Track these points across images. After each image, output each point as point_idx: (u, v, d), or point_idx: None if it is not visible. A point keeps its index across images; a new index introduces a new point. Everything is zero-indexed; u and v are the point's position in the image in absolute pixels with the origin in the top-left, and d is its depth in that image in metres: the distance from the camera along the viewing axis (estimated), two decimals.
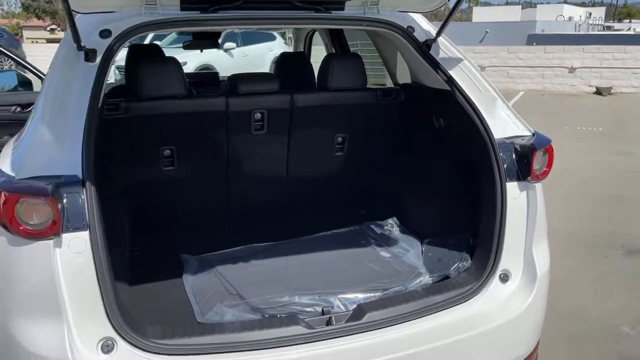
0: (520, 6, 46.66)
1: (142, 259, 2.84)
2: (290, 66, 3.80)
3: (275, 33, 15.95)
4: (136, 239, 2.97)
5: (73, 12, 2.18)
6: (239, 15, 2.51)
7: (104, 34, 2.34)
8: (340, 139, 3.32)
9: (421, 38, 2.76)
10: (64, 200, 1.85)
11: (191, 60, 12.08)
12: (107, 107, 2.77)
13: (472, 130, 2.51)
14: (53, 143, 1.99)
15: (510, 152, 2.42)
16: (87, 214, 1.88)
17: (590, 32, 33.84)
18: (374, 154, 3.44)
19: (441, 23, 2.73)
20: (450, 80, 2.63)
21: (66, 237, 1.85)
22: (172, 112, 2.88)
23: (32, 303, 1.86)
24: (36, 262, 1.83)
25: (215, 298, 2.40)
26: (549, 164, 2.41)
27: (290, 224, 3.18)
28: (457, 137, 2.75)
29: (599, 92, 15.30)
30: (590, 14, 49.55)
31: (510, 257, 2.40)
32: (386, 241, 2.99)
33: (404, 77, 3.41)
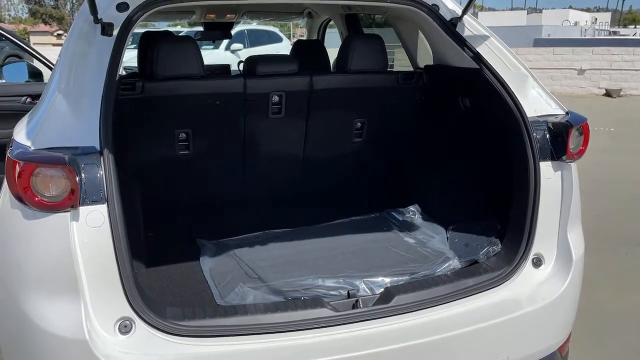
0: (525, 11, 46.57)
1: (157, 243, 2.75)
2: (307, 52, 3.71)
3: (282, 34, 15.94)
4: (150, 224, 2.88)
5: None
6: None
7: (121, 7, 2.26)
8: (359, 124, 3.22)
9: (446, 16, 2.67)
10: (82, 172, 1.76)
11: None
12: (123, 86, 2.68)
13: (502, 110, 2.41)
14: (70, 114, 1.91)
15: (544, 130, 2.31)
16: (105, 187, 1.79)
17: (597, 37, 33.72)
18: (394, 139, 3.34)
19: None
20: (478, 58, 2.54)
21: (84, 210, 1.76)
22: (188, 92, 2.79)
23: (47, 279, 1.76)
24: (52, 236, 1.74)
25: (234, 281, 2.31)
26: (585, 143, 2.31)
27: (308, 211, 3.08)
28: (485, 117, 2.65)
29: (608, 94, 15.17)
30: (596, 19, 49.48)
31: (544, 240, 2.29)
32: (409, 227, 2.88)
33: (423, 62, 3.33)
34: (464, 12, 2.66)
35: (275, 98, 2.97)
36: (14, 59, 5.17)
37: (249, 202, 3.19)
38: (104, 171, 1.80)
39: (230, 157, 3.10)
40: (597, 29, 42.04)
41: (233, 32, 13.23)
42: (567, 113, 2.39)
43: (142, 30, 5.18)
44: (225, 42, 14.08)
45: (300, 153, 3.21)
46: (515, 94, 2.40)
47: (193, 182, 3.11)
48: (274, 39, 16.02)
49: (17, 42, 4.71)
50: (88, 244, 1.76)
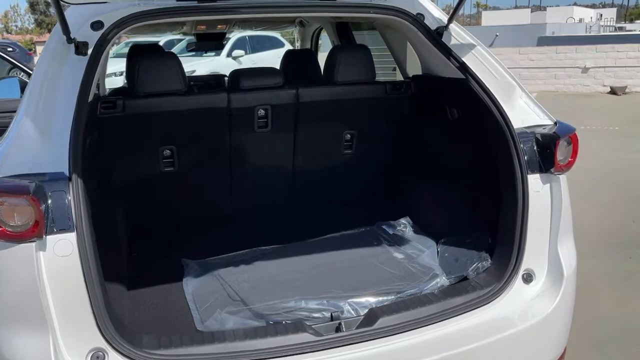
0: (529, 9, 46.34)
1: (141, 264, 2.70)
2: (297, 62, 3.66)
3: (283, 40, 15.90)
4: (135, 243, 2.83)
5: (63, 4, 2.08)
6: (239, 4, 2.38)
7: (96, 25, 2.22)
8: (348, 136, 3.16)
9: (432, 25, 2.61)
10: (49, 200, 1.71)
11: (200, 68, 12.05)
12: (104, 104, 2.64)
13: (489, 121, 2.35)
14: (38, 139, 1.86)
15: (531, 142, 2.25)
16: (74, 214, 1.74)
17: (602, 34, 33.46)
18: (384, 150, 3.28)
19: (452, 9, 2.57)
20: (463, 68, 2.47)
21: (51, 239, 1.71)
22: (171, 109, 2.74)
23: (14, 312, 1.72)
24: (18, 267, 1.69)
25: (216, 304, 2.25)
26: (574, 154, 2.24)
27: (298, 226, 3.02)
28: (472, 128, 2.59)
29: (613, 91, 15.00)
30: (601, 15, 49.11)
31: (534, 255, 2.22)
32: (399, 242, 2.82)
33: (414, 70, 3.27)
34: (449, 20, 2.59)
35: (261, 112, 2.92)
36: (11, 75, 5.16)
37: (237, 218, 3.13)
38: (73, 197, 1.75)
39: (216, 173, 3.05)
40: (603, 25, 41.73)
41: (234, 39, 13.20)
42: (555, 123, 2.32)
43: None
44: (227, 48, 14.06)
45: (288, 166, 3.15)
46: (502, 104, 2.33)
47: (179, 198, 3.06)
48: (275, 44, 15.95)
49: (5, 58, 4.69)
50: (56, 274, 1.71)
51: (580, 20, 40.61)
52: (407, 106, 3.11)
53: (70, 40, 2.12)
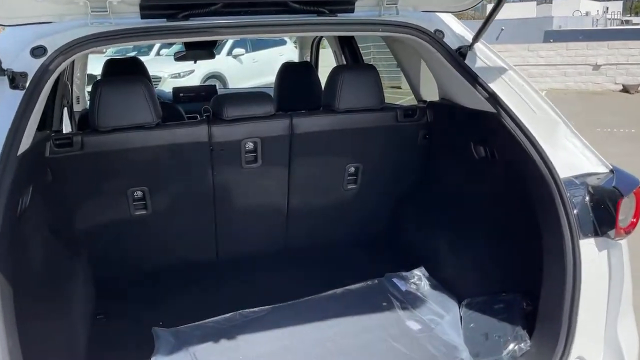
0: (535, 2, 45.65)
1: (106, 330, 2.26)
2: (294, 79, 3.20)
3: (285, 37, 15.41)
4: (102, 300, 2.39)
5: None
6: (216, 24, 1.93)
7: (37, 51, 1.80)
8: (352, 169, 2.70)
9: (453, 45, 2.16)
10: None
11: (198, 68, 11.59)
12: (57, 142, 2.19)
13: (527, 167, 1.90)
14: None
15: (583, 196, 1.80)
16: None
17: (609, 27, 32.83)
18: (394, 187, 2.82)
19: (480, 26, 2.11)
20: (493, 98, 2.02)
21: None
22: (140, 145, 2.29)
23: None
24: None
25: None
26: (637, 213, 1.78)
27: (292, 279, 2.58)
28: (505, 172, 2.13)
29: (626, 89, 14.48)
30: (608, 8, 48.38)
31: (587, 338, 1.78)
32: (413, 302, 2.36)
33: (428, 90, 2.81)
34: (475, 39, 2.13)
35: (250, 145, 2.47)
36: None
37: (221, 268, 2.69)
38: None
39: (197, 215, 2.60)
40: (610, 19, 41.07)
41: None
42: (611, 171, 1.86)
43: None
44: (227, 46, 13.58)
45: (282, 206, 2.70)
46: (543, 146, 1.88)
47: (153, 245, 2.61)
48: (277, 42, 15.45)
49: None
50: None
51: (587, 13, 39.95)
52: (422, 136, 2.65)
53: (2, 72, 1.68)
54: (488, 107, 2.05)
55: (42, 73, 1.77)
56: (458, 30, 2.21)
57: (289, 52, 14.46)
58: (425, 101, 2.73)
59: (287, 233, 2.77)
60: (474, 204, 2.39)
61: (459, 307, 2.28)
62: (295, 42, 15.44)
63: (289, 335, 2.17)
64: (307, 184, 2.67)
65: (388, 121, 2.57)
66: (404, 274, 2.54)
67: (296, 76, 3.32)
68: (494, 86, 2.06)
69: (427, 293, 2.42)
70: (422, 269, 2.53)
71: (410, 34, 2.12)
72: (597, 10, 44.04)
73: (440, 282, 2.48)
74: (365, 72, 2.52)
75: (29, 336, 1.58)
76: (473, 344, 2.03)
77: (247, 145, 2.46)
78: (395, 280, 2.51)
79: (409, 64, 2.81)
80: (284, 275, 2.63)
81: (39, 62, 1.78)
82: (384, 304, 2.35)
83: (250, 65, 14.13)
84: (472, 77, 2.09)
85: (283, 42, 15.35)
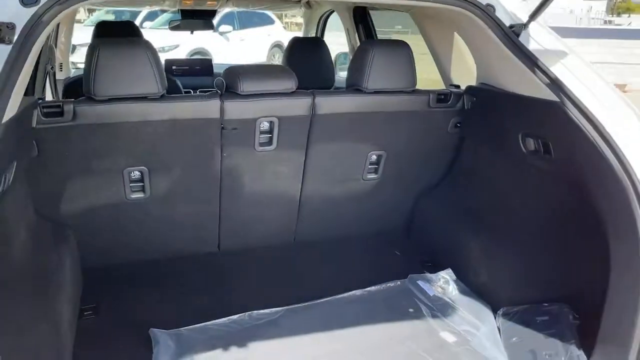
0: None
1: (95, 329, 1.98)
2: (305, 56, 2.92)
3: (274, 17, 15.01)
4: (89, 296, 2.10)
5: None
6: None
7: None
8: (374, 157, 2.44)
9: (505, 21, 1.92)
10: None
11: (184, 43, 11.15)
12: (46, 110, 1.88)
13: (594, 165, 1.66)
14: None
15: None
16: None
17: (592, 27, 32.99)
18: (419, 179, 2.57)
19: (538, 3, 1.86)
20: (556, 85, 1.78)
21: None
22: (141, 119, 2.00)
23: None
24: None
25: None
26: None
27: (302, 277, 2.33)
28: (560, 167, 1.89)
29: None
30: (592, 7, 48.63)
31: None
32: (442, 308, 2.12)
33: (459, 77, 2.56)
34: (532, 16, 1.89)
35: (265, 125, 2.18)
36: None
37: (226, 264, 2.41)
38: None
39: (201, 201, 2.31)
40: (593, 18, 41.30)
41: (221, 13, 12.37)
42: None
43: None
44: (214, 22, 13.14)
45: (294, 195, 2.42)
46: (617, 143, 1.64)
47: (150, 234, 2.32)
48: (265, 20, 15.04)
49: None
50: None
51: (571, 12, 40.08)
52: (453, 124, 2.39)
53: None
54: (547, 95, 1.81)
55: (34, 25, 1.47)
56: (509, 6, 1.95)
57: (276, 32, 14.12)
58: (457, 85, 2.48)
59: (298, 225, 2.50)
60: (515, 202, 2.15)
61: (494, 317, 2.04)
62: (282, 21, 15.08)
63: (299, 341, 1.90)
64: (323, 171, 2.40)
65: (419, 106, 2.31)
66: (429, 275, 2.30)
67: (307, 52, 3.03)
68: (555, 71, 1.82)
69: (456, 299, 2.18)
70: (450, 271, 2.30)
71: (460, 7, 1.87)
72: (581, 9, 44.25)
73: (468, 285, 2.25)
74: (398, 49, 2.25)
75: (9, 335, 1.32)
76: None
77: (262, 125, 2.18)
78: (419, 282, 2.27)
79: (441, 44, 2.55)
80: (293, 271, 2.38)
81: (30, 12, 1.49)
82: (411, 310, 2.11)
83: (237, 44, 13.75)
84: (530, 60, 1.84)
85: (271, 22, 14.99)
